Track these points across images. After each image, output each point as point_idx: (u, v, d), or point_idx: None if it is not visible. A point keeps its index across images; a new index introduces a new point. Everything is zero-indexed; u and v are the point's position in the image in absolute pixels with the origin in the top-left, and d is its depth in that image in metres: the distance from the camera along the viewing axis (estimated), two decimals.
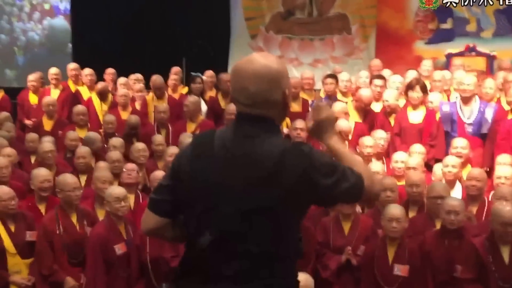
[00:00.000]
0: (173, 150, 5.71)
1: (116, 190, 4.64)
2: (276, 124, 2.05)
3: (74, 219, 4.72)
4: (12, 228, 4.72)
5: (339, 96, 7.47)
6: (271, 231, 1.96)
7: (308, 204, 2.07)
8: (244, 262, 1.97)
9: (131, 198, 5.29)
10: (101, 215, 4.98)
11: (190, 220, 2.06)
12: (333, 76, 7.62)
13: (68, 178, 4.79)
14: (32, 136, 6.49)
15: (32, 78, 8.19)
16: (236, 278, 1.97)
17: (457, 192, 5.22)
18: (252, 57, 2.04)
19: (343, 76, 7.62)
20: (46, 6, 11.22)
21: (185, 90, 8.19)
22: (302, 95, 7.50)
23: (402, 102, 6.90)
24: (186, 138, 6.06)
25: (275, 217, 1.96)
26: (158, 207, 2.11)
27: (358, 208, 5.04)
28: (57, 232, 4.61)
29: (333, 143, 2.15)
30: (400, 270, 4.35)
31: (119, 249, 4.54)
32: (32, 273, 4.68)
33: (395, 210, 4.40)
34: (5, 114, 7.41)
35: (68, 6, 11.09)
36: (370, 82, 7.31)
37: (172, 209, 2.10)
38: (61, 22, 11.27)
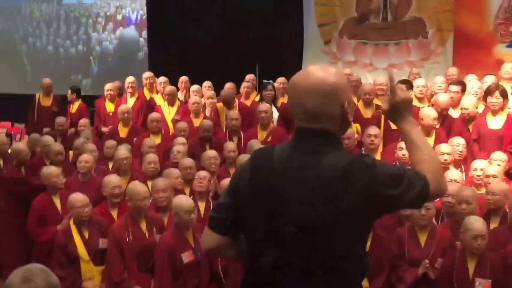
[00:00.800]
0: (245, 158, 5.69)
1: (185, 203, 4.56)
2: (337, 137, 2.00)
3: (143, 226, 4.73)
4: (86, 235, 4.82)
5: (414, 101, 7.26)
6: (337, 247, 1.90)
7: (374, 216, 2.00)
8: (309, 280, 1.91)
9: (201, 206, 5.32)
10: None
11: (252, 238, 2.02)
12: (407, 81, 7.47)
13: (137, 186, 4.81)
14: (110, 143, 6.68)
15: (109, 87, 8.48)
16: None
17: None
18: (308, 70, 1.99)
19: (418, 82, 7.42)
20: (119, 17, 11.62)
21: (257, 97, 8.22)
22: (376, 101, 7.34)
23: (481, 108, 6.63)
24: (254, 145, 6.06)
25: (340, 232, 1.89)
26: (219, 226, 2.08)
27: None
28: (127, 240, 4.64)
29: (407, 127, 2.08)
30: (482, 284, 4.13)
31: (186, 257, 4.51)
32: (104, 280, 4.74)
33: (479, 226, 4.15)
34: (84, 120, 7.70)
35: (139, 16, 11.44)
36: (446, 89, 7.07)
37: (233, 228, 2.06)
38: (132, 32, 11.66)
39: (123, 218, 4.77)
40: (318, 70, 1.96)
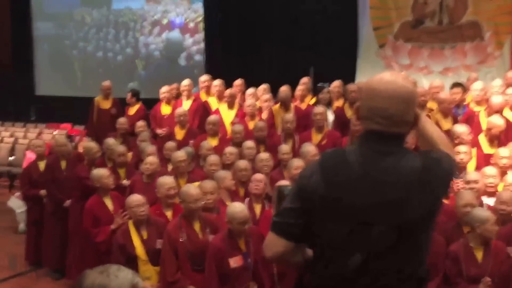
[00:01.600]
0: (298, 163, 5.67)
1: (239, 214, 4.47)
2: (405, 141, 2.08)
3: (197, 227, 4.75)
4: (145, 235, 4.86)
5: (471, 105, 7.19)
6: (420, 247, 2.00)
7: (440, 206, 2.08)
8: (393, 283, 1.97)
9: (257, 208, 5.39)
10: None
11: (328, 241, 2.01)
12: (460, 85, 7.42)
13: (190, 189, 4.81)
14: (170, 145, 6.78)
15: (165, 89, 8.62)
16: None
17: None
18: (388, 76, 2.05)
19: (476, 85, 7.33)
20: (164, 21, 11.91)
21: (312, 100, 8.26)
22: (430, 105, 7.29)
23: None
24: (308, 148, 6.10)
25: (424, 230, 2.00)
26: (286, 231, 2.06)
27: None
28: (181, 240, 4.65)
29: (422, 122, 2.17)
30: None
31: (235, 262, 4.47)
32: (159, 280, 4.75)
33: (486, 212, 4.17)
34: (141, 122, 7.90)
35: (183, 20, 11.72)
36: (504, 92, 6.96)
37: (300, 233, 2.05)
38: (177, 35, 11.90)
39: (177, 219, 4.81)
40: (398, 78, 2.04)
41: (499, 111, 6.60)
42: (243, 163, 5.90)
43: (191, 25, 12.07)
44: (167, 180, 5.25)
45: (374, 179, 1.95)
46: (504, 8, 9.69)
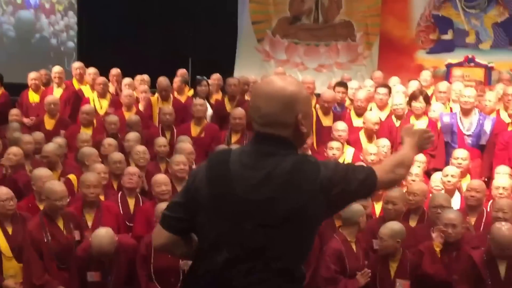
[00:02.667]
0: (180, 158, 5.60)
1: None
2: (293, 144, 2.07)
3: (60, 224, 4.57)
4: (10, 231, 4.59)
5: (347, 103, 7.58)
6: (290, 245, 2.01)
7: (324, 211, 2.08)
8: (260, 279, 2.00)
9: (131, 202, 5.31)
10: (89, 219, 4.91)
11: (206, 237, 2.07)
12: (343, 84, 7.73)
13: (55, 186, 4.61)
14: (38, 135, 6.35)
15: (33, 76, 8.12)
16: None
17: (456, 202, 5.31)
18: (272, 78, 2.10)
19: (353, 84, 7.75)
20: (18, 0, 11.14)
21: (190, 92, 8.22)
22: None
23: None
24: (182, 145, 6.07)
25: (294, 229, 2.00)
26: (171, 224, 2.12)
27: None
28: (45, 240, 4.44)
29: (404, 146, 2.27)
30: (402, 285, 4.37)
31: (91, 277, 4.43)
32: (24, 283, 4.47)
33: (394, 225, 4.43)
34: (16, 110, 7.37)
35: (38, 1, 11.06)
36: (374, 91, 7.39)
37: (186, 227, 2.12)
38: (28, 15, 11.14)
39: (38, 218, 4.56)
40: (280, 79, 2.06)
41: (363, 108, 6.97)
42: (117, 155, 5.77)
43: (47, 6, 11.29)
44: (42, 173, 5.02)
45: (247, 179, 2.00)
46: (373, 10, 10.29)
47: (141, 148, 6.00)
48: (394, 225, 4.46)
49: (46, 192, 4.55)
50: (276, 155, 2.02)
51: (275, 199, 1.97)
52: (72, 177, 5.56)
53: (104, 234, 4.32)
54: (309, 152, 6.23)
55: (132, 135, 6.41)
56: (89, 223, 4.90)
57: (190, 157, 5.88)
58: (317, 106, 7.16)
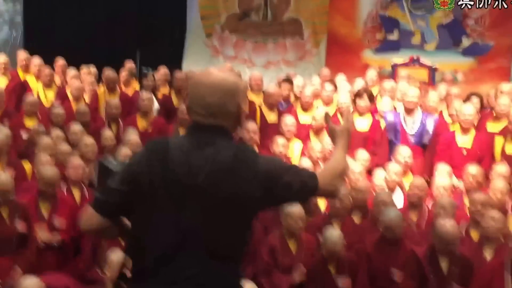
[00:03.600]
0: (126, 150, 5.59)
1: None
2: (230, 133, 2.17)
3: (5, 212, 4.60)
4: None
5: (292, 100, 7.66)
6: (226, 231, 2.08)
7: (261, 202, 2.14)
8: (205, 262, 2.06)
9: (76, 194, 5.29)
10: (45, 210, 4.92)
11: (145, 223, 2.10)
12: (289, 81, 7.82)
13: (1, 176, 4.66)
14: None
15: None
16: (197, 278, 2.06)
17: (397, 199, 5.46)
18: (210, 70, 2.18)
19: (298, 81, 7.82)
20: None
21: (137, 85, 8.14)
22: (250, 96, 7.60)
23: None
24: (130, 136, 6.06)
25: (231, 215, 2.07)
26: (104, 209, 2.15)
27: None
28: None
29: (338, 147, 2.33)
30: (342, 283, 4.47)
31: None
32: None
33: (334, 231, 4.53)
34: None
35: None
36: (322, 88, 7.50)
37: (118, 212, 2.16)
38: None
39: None
40: (219, 71, 2.16)
41: (310, 104, 7.07)
42: (65, 147, 5.76)
43: None
44: None
45: (190, 165, 2.06)
46: (321, 9, 10.39)
47: (89, 140, 5.96)
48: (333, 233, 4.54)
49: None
50: (217, 145, 2.09)
51: (214, 184, 2.04)
52: (26, 165, 5.52)
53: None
54: (256, 148, 6.30)
55: (78, 127, 6.31)
56: (45, 214, 4.90)
57: (137, 150, 5.83)
58: (262, 102, 7.22)
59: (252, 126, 6.34)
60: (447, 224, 4.31)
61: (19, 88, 7.78)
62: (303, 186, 2.12)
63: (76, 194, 5.30)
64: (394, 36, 10.12)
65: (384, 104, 6.98)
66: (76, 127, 6.34)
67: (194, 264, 2.05)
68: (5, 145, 5.72)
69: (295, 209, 4.67)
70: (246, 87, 2.28)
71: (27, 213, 4.71)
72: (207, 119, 2.10)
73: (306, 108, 7.09)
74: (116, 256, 4.10)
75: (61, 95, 7.64)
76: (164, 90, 8.04)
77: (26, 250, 4.62)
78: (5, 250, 4.52)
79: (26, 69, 8.09)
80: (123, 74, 8.09)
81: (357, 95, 6.87)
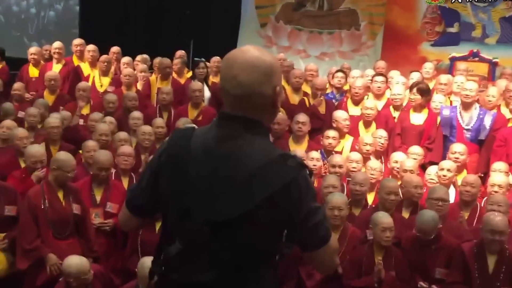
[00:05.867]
0: None
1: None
2: (263, 125, 1.92)
3: (60, 195, 4.65)
4: None
5: (346, 87, 7.52)
6: (242, 241, 1.84)
7: (283, 221, 1.87)
8: (213, 272, 1.85)
9: (125, 182, 5.33)
10: (98, 195, 5.01)
11: (165, 222, 1.98)
12: (343, 71, 7.70)
13: (67, 156, 4.73)
14: (33, 111, 6.30)
15: (33, 50, 8.12)
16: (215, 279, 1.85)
17: (451, 196, 5.26)
18: (246, 47, 1.93)
19: (354, 73, 7.72)
20: None
21: (189, 74, 8.16)
22: (304, 87, 7.52)
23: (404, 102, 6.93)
24: (184, 123, 6.02)
25: (253, 228, 1.83)
26: (137, 209, 2.04)
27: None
28: (42, 207, 4.53)
29: None
30: (386, 276, 4.27)
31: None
32: (18, 246, 4.55)
33: (387, 219, 4.37)
34: (19, 84, 7.29)
35: None
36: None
37: (148, 209, 2.04)
38: None
39: (39, 186, 4.69)
40: (254, 49, 1.91)
41: (360, 97, 6.90)
42: (123, 134, 5.83)
43: None
44: (34, 152, 5.08)
45: (206, 164, 1.85)
46: (378, 0, 10.16)
47: (147, 128, 6.00)
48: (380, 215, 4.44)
49: (58, 163, 4.62)
50: (241, 138, 1.85)
51: (230, 191, 1.81)
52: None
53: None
54: (306, 140, 6.21)
55: (138, 114, 6.39)
56: (98, 199, 5.00)
57: None
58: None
59: (301, 118, 6.24)
60: (496, 218, 4.19)
61: (73, 74, 7.92)
62: (323, 231, 1.88)
63: (125, 182, 5.35)
64: (454, 29, 9.81)
65: (439, 98, 6.74)
66: (136, 114, 6.40)
67: (200, 274, 1.86)
68: (58, 130, 5.86)
69: (337, 198, 4.54)
70: (281, 72, 1.96)
71: (80, 196, 4.78)
72: (239, 107, 1.86)
73: (356, 100, 6.93)
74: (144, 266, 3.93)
75: (115, 82, 7.74)
76: (215, 78, 8.03)
77: (83, 233, 4.70)
78: (63, 232, 4.60)
79: (81, 55, 8.23)
80: (176, 62, 8.13)
81: (410, 88, 6.67)
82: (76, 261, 4.06)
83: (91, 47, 8.14)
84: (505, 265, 4.16)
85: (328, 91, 7.49)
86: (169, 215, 1.93)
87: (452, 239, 4.45)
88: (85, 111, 6.88)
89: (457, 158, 5.68)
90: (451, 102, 6.83)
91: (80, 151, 5.75)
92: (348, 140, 6.35)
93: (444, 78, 7.20)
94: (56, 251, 4.49)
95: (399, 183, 5.24)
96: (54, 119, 5.99)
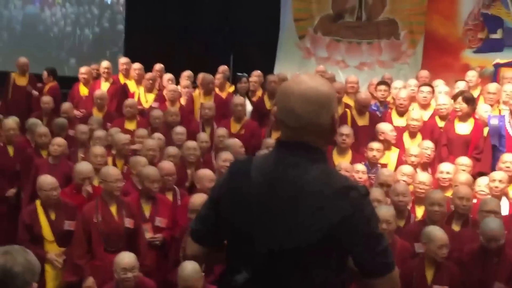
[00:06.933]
0: (227, 155, 5.61)
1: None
2: (322, 152, 1.93)
3: (113, 209, 4.83)
4: (53, 217, 4.93)
5: (389, 98, 7.47)
6: (306, 272, 1.85)
7: (346, 251, 1.89)
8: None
9: (169, 195, 5.40)
10: (146, 210, 5.11)
11: (229, 252, 1.99)
12: (386, 83, 7.63)
13: (110, 169, 4.96)
14: (83, 128, 6.52)
15: (83, 70, 8.41)
16: None
17: (503, 208, 5.15)
18: (300, 77, 1.95)
19: (396, 84, 7.68)
20: None
21: (231, 89, 8.26)
22: (345, 99, 7.50)
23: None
24: (221, 133, 6.31)
25: (309, 258, 1.83)
26: (198, 237, 2.06)
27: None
28: (95, 221, 4.73)
29: None
30: None
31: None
32: (66, 260, 4.84)
33: (443, 235, 4.28)
34: (68, 105, 7.48)
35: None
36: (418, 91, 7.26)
37: (212, 239, 2.04)
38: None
39: (94, 201, 4.88)
40: (310, 79, 1.93)
41: (405, 108, 6.84)
42: (172, 150, 5.91)
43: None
44: (83, 169, 5.24)
45: (268, 194, 1.86)
46: (418, 9, 10.12)
47: (192, 144, 6.06)
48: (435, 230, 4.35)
49: (102, 175, 4.89)
50: (302, 167, 1.87)
51: (293, 222, 1.82)
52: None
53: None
54: (350, 152, 6.17)
55: (181, 129, 6.49)
56: (146, 214, 5.11)
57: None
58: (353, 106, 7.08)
59: (345, 130, 6.22)
60: None
61: (120, 92, 8.14)
62: (385, 265, 1.86)
63: (168, 196, 5.41)
64: (497, 35, 9.67)
65: (486, 107, 6.64)
66: (179, 129, 6.50)
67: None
68: (128, 145, 6.03)
69: (385, 211, 4.48)
70: (336, 96, 1.98)
71: (134, 211, 4.93)
72: (297, 134, 1.88)
73: (401, 111, 6.88)
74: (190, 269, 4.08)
75: (159, 99, 7.89)
76: (258, 92, 8.10)
77: (135, 247, 4.77)
78: (115, 245, 4.74)
79: (127, 73, 8.42)
80: (218, 77, 8.23)
81: (454, 98, 6.60)
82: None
83: (137, 65, 8.37)
84: None
85: (371, 102, 7.46)
86: (231, 243, 1.97)
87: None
88: (131, 127, 7.01)
89: (508, 167, 5.58)
90: (499, 111, 6.72)
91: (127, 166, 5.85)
92: (395, 152, 6.30)
93: (492, 87, 7.09)
94: (108, 264, 4.55)
95: (447, 194, 5.19)
96: (123, 135, 6.13)
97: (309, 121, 1.88)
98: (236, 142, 6.08)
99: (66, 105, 7.46)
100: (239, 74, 8.12)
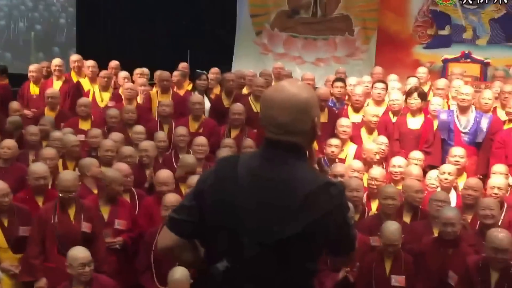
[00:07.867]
0: (190, 159, 5.68)
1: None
2: (304, 151, 2.03)
3: (71, 212, 4.74)
4: (5, 223, 4.78)
5: (346, 98, 7.61)
6: (288, 263, 1.95)
7: (323, 244, 2.04)
8: None
9: (127, 197, 5.35)
10: (105, 213, 5.03)
11: (210, 243, 2.05)
12: (342, 80, 7.74)
13: (66, 175, 4.84)
14: (33, 129, 6.31)
15: (33, 68, 8.14)
16: None
17: (452, 200, 5.36)
18: (281, 85, 2.04)
19: (351, 80, 7.83)
20: None
21: (190, 86, 8.21)
22: None
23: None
24: (181, 132, 6.27)
25: (297, 250, 1.95)
26: (178, 227, 2.08)
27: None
28: (51, 222, 4.64)
29: None
30: (398, 281, 4.45)
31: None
32: (23, 259, 4.73)
33: (392, 226, 4.49)
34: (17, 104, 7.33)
35: None
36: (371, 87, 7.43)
37: (192, 231, 2.08)
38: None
39: (53, 202, 4.78)
40: (291, 86, 2.01)
41: (361, 104, 7.02)
42: (128, 150, 5.84)
43: None
44: (38, 168, 5.10)
45: (253, 188, 1.95)
46: (371, 5, 10.34)
47: (146, 144, 6.00)
48: (392, 225, 4.52)
49: (59, 181, 4.73)
50: (287, 164, 1.97)
51: (277, 215, 1.92)
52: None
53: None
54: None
55: (140, 128, 6.44)
56: (105, 217, 5.02)
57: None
58: None
59: (334, 141, 6.20)
60: (500, 234, 4.18)
61: (74, 90, 7.95)
62: (351, 242, 2.11)
63: (126, 196, 5.35)
64: (445, 31, 10.00)
65: (437, 101, 6.86)
66: (139, 128, 6.44)
67: None
68: (75, 148, 5.90)
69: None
70: (317, 100, 2.08)
71: (93, 215, 4.84)
72: (281, 136, 1.98)
73: (357, 107, 7.03)
74: (179, 274, 4.18)
75: (115, 97, 7.79)
76: (216, 90, 8.07)
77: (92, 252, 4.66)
78: (69, 248, 4.52)
79: (79, 71, 8.26)
80: (176, 74, 8.18)
81: (408, 93, 6.79)
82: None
83: (90, 62, 8.17)
84: (507, 282, 4.16)
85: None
86: (216, 237, 2.02)
87: (469, 249, 4.51)
88: (86, 126, 6.90)
89: (457, 161, 5.78)
90: (448, 106, 6.95)
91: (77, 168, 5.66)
92: (351, 147, 6.44)
93: (441, 82, 7.33)
94: (61, 266, 4.49)
95: (399, 187, 5.35)
96: (73, 136, 6.02)
97: (291, 128, 1.99)
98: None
99: (14, 104, 7.27)
100: (198, 71, 8.05)
